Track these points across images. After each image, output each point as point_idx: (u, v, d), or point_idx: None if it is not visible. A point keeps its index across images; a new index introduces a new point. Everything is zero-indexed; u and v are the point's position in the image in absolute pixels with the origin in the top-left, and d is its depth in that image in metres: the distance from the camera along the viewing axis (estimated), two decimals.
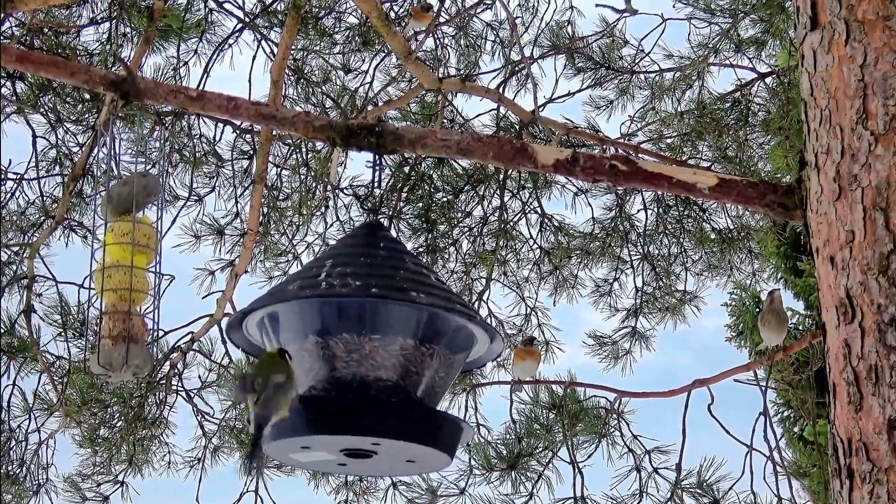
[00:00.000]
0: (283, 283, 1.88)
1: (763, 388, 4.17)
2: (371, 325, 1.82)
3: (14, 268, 4.66)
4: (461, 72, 4.96)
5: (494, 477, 4.38)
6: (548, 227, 5.25)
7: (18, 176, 4.73)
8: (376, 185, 1.96)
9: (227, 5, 4.53)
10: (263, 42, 4.49)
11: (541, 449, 4.41)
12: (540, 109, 4.67)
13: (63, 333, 4.52)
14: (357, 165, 6.09)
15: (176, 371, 4.72)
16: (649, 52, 4.95)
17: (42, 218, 4.75)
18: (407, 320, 1.84)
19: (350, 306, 1.82)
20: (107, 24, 4.54)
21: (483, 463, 4.34)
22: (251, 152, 4.82)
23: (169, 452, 4.92)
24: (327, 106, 4.88)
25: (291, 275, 1.93)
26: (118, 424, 4.76)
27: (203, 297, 4.63)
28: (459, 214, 5.14)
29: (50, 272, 4.52)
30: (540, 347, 4.89)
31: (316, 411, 1.80)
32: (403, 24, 4.76)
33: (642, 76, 5.02)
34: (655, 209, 5.21)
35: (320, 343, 1.81)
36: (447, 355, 1.87)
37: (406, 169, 4.96)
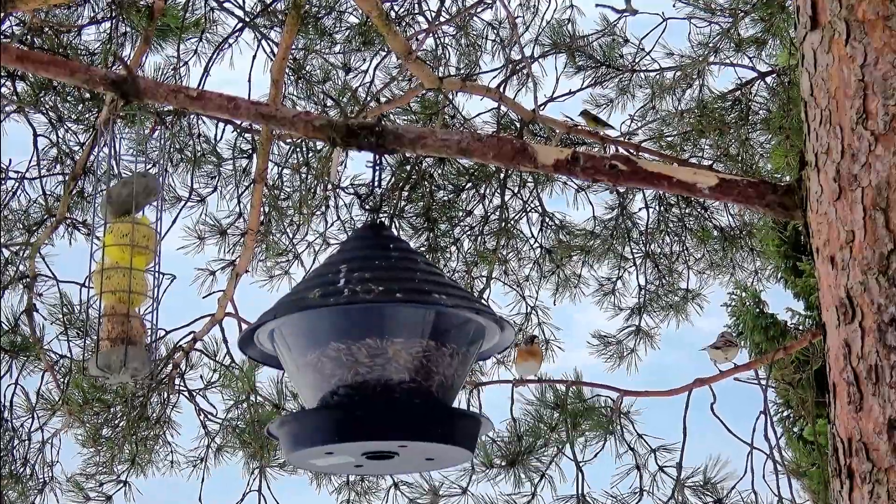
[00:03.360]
0: (298, 292, 1.86)
1: (763, 387, 4.18)
2: (394, 329, 1.82)
3: (15, 267, 4.67)
4: (462, 71, 4.96)
5: (494, 474, 4.38)
6: (549, 226, 5.26)
7: (20, 175, 4.73)
8: (377, 184, 1.96)
9: (227, 5, 4.54)
10: (263, 42, 4.49)
11: (544, 448, 4.42)
12: (540, 108, 4.67)
13: (66, 333, 4.52)
14: (358, 164, 6.10)
15: (178, 371, 4.72)
16: (650, 52, 4.95)
17: (44, 216, 4.76)
18: (428, 322, 1.84)
19: (374, 311, 1.82)
20: (107, 24, 4.55)
21: (484, 461, 4.34)
22: (251, 151, 4.82)
23: (172, 452, 4.93)
24: (328, 105, 4.88)
25: (305, 282, 1.91)
26: (121, 424, 4.77)
27: (204, 297, 4.64)
28: (460, 213, 5.14)
29: (51, 271, 4.53)
30: (541, 346, 4.89)
31: (341, 418, 1.80)
32: (404, 24, 4.76)
33: (643, 75, 5.03)
34: (657, 207, 5.21)
35: (343, 349, 1.80)
36: (464, 352, 1.88)
37: (407, 168, 4.96)
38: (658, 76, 5.03)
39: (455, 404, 1.92)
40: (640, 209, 5.22)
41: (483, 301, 4.38)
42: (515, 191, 5.15)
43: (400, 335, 1.82)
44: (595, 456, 4.39)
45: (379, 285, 1.77)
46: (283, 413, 4.53)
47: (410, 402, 1.82)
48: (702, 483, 4.27)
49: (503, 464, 4.39)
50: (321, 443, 1.78)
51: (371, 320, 1.82)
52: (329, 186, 4.85)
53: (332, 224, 4.98)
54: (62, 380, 4.60)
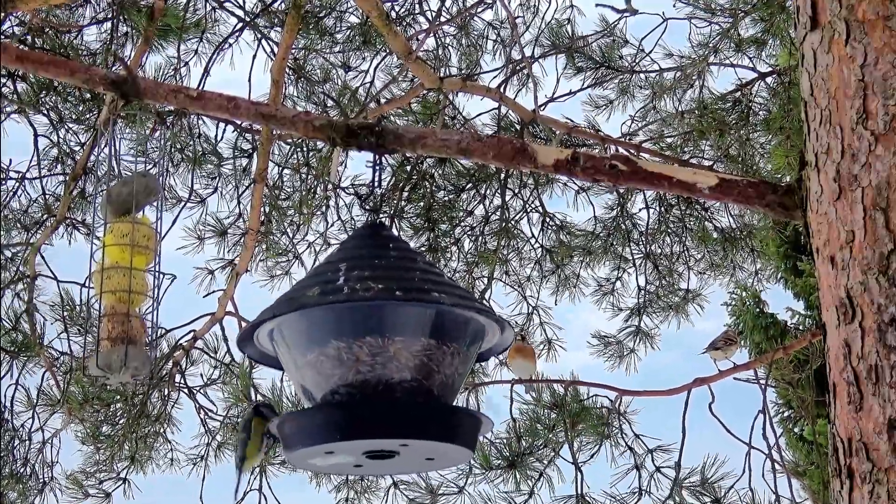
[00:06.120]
0: (297, 290, 1.86)
1: (763, 387, 4.18)
2: (394, 328, 1.81)
3: (16, 266, 4.67)
4: (462, 71, 4.95)
5: (494, 476, 4.37)
6: (549, 226, 5.26)
7: (20, 175, 4.74)
8: (377, 184, 1.96)
9: (227, 5, 4.54)
10: (264, 41, 4.49)
11: (542, 448, 4.41)
12: (541, 109, 4.67)
13: (66, 331, 4.52)
14: (358, 164, 6.10)
15: (179, 368, 4.73)
16: (650, 52, 4.95)
17: (44, 216, 4.76)
18: (428, 320, 1.83)
19: (374, 310, 1.81)
20: (107, 24, 4.55)
21: (482, 462, 4.34)
22: (252, 151, 4.83)
23: (172, 449, 4.93)
24: (328, 105, 4.88)
25: (304, 280, 1.90)
26: (121, 421, 4.77)
27: (204, 297, 4.64)
28: (461, 213, 5.14)
29: (51, 271, 4.52)
30: (533, 344, 4.89)
31: (342, 417, 1.80)
32: (404, 24, 4.76)
33: (643, 75, 5.03)
34: (657, 208, 5.22)
35: (343, 348, 1.80)
36: (464, 351, 1.87)
37: (407, 168, 4.96)
38: (658, 77, 5.03)
39: (454, 404, 1.92)
40: (640, 209, 5.23)
41: (482, 301, 4.38)
42: (516, 191, 5.15)
43: (400, 334, 1.81)
44: (592, 457, 4.38)
45: (378, 283, 1.77)
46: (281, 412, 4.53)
47: (412, 401, 1.81)
48: (699, 483, 4.27)
49: (503, 465, 4.38)
50: (322, 442, 1.78)
51: (371, 319, 1.82)
52: (329, 186, 4.85)
53: (332, 224, 4.99)
54: (62, 378, 4.60)
